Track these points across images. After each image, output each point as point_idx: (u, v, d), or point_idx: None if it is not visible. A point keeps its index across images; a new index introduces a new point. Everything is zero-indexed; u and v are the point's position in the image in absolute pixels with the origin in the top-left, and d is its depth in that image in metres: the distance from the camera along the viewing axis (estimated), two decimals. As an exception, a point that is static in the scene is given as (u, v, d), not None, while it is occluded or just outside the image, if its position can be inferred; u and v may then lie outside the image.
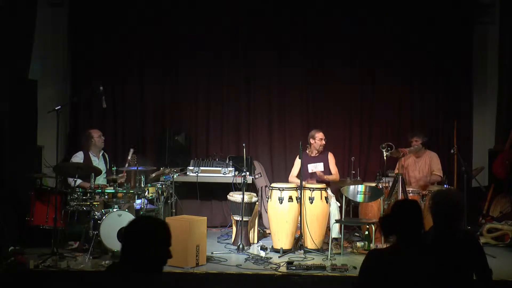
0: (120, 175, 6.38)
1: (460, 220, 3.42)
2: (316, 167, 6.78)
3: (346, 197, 6.26)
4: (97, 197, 5.94)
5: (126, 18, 7.85)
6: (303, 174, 6.46)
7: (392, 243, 3.01)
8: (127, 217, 5.63)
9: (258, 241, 6.67)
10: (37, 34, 7.01)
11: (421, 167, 7.05)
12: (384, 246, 5.60)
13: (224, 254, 5.96)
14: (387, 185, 6.65)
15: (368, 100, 8.06)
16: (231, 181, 6.85)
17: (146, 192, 6.14)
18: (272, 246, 6.24)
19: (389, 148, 6.37)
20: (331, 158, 6.88)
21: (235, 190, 6.66)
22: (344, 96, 8.05)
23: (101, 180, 6.46)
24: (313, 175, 6.79)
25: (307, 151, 6.89)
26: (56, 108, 5.77)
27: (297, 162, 6.89)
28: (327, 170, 6.81)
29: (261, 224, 7.19)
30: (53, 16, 7.65)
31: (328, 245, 5.93)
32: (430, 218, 3.40)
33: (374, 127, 8.05)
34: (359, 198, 6.24)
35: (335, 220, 6.32)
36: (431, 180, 6.91)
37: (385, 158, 6.36)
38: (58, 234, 5.69)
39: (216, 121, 8.03)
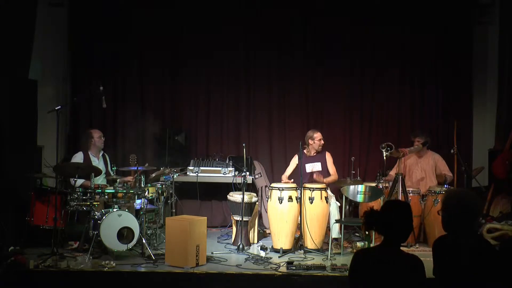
0: (127, 178, 6.43)
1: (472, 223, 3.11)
2: (314, 167, 6.78)
3: (346, 197, 6.26)
4: (97, 197, 5.94)
5: (126, 18, 7.85)
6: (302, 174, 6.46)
7: (379, 243, 2.98)
8: (127, 217, 5.64)
9: (258, 241, 6.67)
10: (37, 34, 7.00)
11: (423, 167, 7.05)
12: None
13: (224, 254, 5.96)
14: (387, 185, 6.66)
15: (368, 100, 8.06)
16: (231, 181, 6.85)
17: (146, 192, 6.14)
18: (272, 246, 6.24)
19: (389, 148, 6.37)
20: (329, 157, 6.87)
21: (235, 190, 6.65)
22: (344, 96, 8.06)
23: (101, 180, 6.47)
24: (311, 175, 6.78)
25: (304, 151, 6.88)
26: (56, 108, 5.77)
27: (293, 162, 6.90)
28: (324, 170, 6.81)
29: (261, 224, 7.18)
30: (53, 16, 7.66)
31: (328, 245, 5.94)
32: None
33: (374, 127, 8.05)
34: (359, 198, 6.23)
35: (335, 220, 6.31)
36: (447, 181, 6.87)
37: (385, 158, 6.37)
38: (58, 234, 5.69)
39: (216, 121, 8.03)
